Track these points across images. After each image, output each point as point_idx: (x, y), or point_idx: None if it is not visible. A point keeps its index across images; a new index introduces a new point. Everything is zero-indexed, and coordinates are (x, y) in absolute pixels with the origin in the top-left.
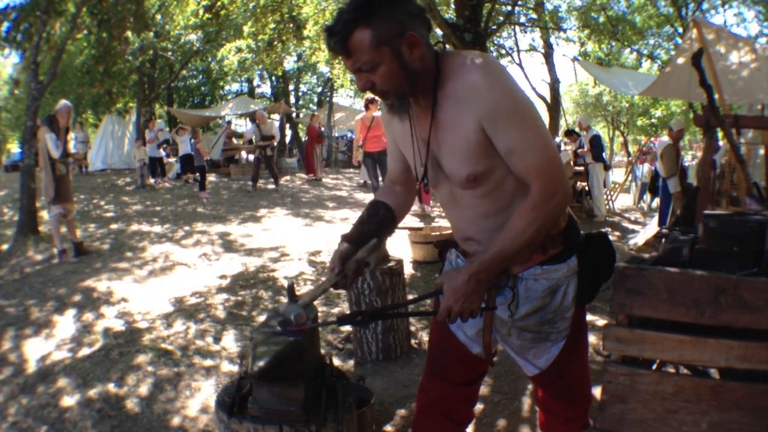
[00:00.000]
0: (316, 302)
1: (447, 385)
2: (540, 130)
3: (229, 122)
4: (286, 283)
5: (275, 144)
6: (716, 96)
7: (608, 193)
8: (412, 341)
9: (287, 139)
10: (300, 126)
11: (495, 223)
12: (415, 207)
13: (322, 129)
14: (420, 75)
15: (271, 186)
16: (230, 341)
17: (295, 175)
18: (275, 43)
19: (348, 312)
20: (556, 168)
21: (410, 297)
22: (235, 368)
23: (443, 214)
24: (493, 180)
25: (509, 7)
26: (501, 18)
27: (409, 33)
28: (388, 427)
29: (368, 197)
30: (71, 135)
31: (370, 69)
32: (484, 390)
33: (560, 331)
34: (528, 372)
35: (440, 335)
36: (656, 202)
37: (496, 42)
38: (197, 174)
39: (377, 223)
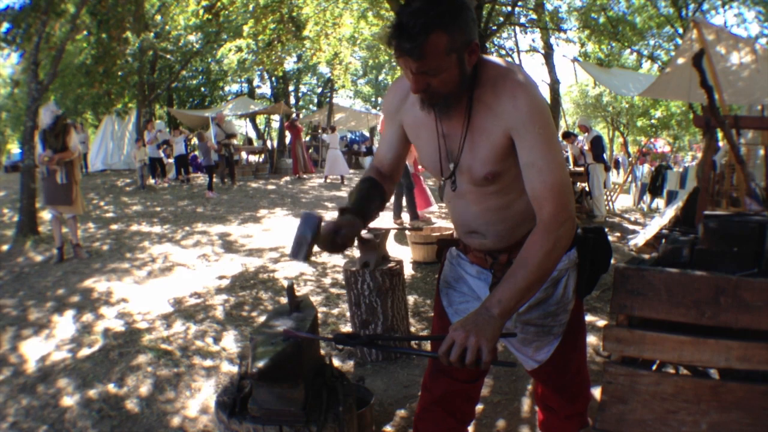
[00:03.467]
0: (315, 303)
1: (450, 382)
2: (559, 153)
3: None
4: (286, 284)
5: (235, 142)
6: (716, 96)
7: (608, 193)
8: (413, 343)
9: (287, 140)
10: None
11: (501, 216)
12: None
13: (312, 129)
14: (469, 80)
15: (272, 186)
16: (230, 342)
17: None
18: (275, 43)
19: (347, 311)
20: (569, 193)
21: (410, 298)
22: (235, 369)
23: (441, 217)
24: (506, 178)
25: (509, 8)
26: (501, 18)
27: (474, 41)
28: (388, 428)
29: None
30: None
31: (435, 74)
32: (483, 390)
33: (562, 324)
34: (527, 367)
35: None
36: (656, 202)
37: (496, 42)
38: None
39: (381, 200)
